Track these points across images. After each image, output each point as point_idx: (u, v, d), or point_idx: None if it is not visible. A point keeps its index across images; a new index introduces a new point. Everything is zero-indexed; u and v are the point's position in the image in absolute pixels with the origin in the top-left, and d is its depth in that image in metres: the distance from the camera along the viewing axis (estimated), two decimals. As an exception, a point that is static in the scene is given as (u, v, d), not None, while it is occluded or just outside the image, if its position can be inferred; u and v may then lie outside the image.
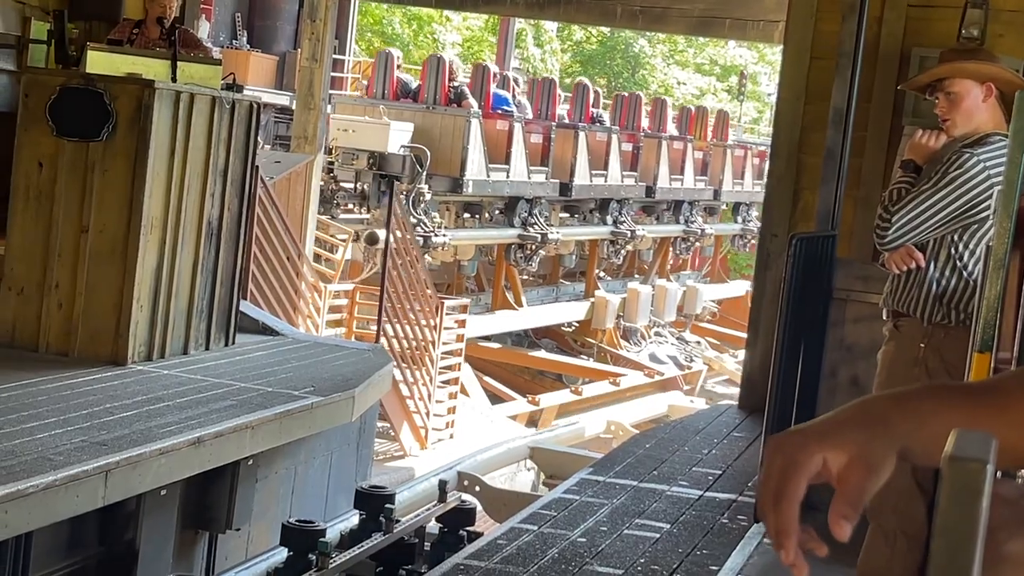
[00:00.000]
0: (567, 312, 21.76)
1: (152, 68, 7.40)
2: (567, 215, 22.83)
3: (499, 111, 19.91)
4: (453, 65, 19.81)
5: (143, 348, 7.13)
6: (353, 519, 7.65)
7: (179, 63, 7.50)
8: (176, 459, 5.59)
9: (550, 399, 17.92)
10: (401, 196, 17.20)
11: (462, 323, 14.98)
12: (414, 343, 13.76)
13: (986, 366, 2.38)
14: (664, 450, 7.56)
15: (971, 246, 4.57)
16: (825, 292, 6.46)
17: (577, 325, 22.08)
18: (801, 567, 1.17)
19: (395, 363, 10.94)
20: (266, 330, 8.70)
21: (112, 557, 5.88)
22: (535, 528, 5.72)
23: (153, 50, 8.02)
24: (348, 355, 8.33)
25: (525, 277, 21.44)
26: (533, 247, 19.93)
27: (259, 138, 8.68)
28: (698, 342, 24.36)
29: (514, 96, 21.16)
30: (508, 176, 19.32)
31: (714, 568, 5.45)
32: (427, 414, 13.78)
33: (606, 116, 24.23)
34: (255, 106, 7.87)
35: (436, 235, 17.25)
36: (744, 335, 28.02)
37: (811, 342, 6.33)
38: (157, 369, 7.03)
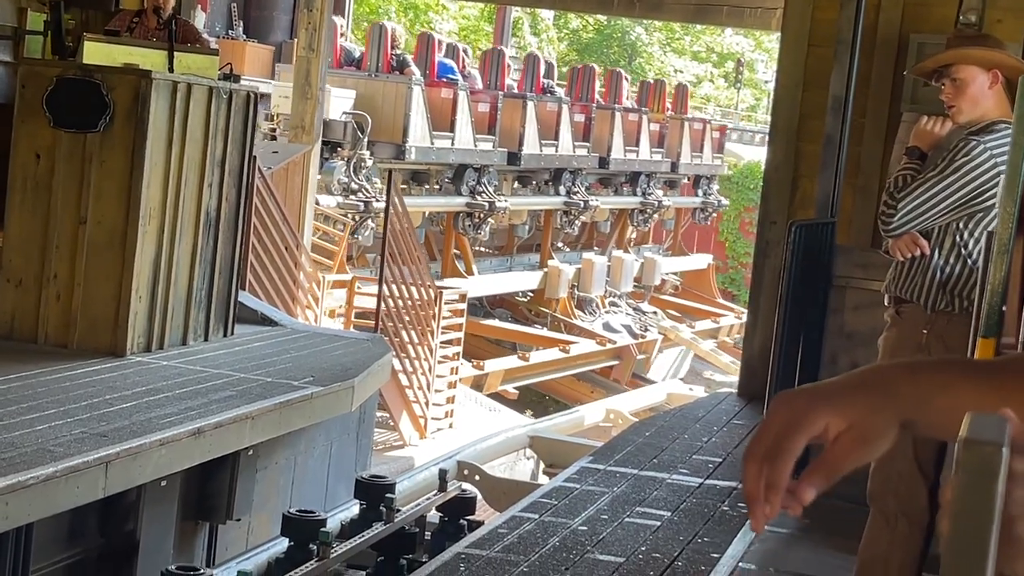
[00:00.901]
0: (520, 281, 21.86)
1: (149, 59, 7.39)
2: (521, 186, 22.83)
3: (444, 79, 19.98)
4: (396, 33, 19.87)
5: (142, 339, 7.13)
6: (353, 509, 7.65)
7: (176, 53, 7.49)
8: (176, 450, 5.59)
9: (495, 364, 18.01)
10: (342, 162, 17.27)
11: (460, 312, 14.97)
12: (413, 332, 13.75)
13: (991, 351, 2.38)
14: (664, 438, 7.56)
15: (976, 234, 4.56)
16: (825, 279, 6.45)
17: (532, 295, 22.14)
18: (760, 521, 1.18)
19: (394, 353, 10.93)
20: (265, 320, 8.69)
21: (113, 548, 5.88)
22: (536, 517, 5.72)
23: (150, 40, 8.01)
24: (347, 345, 8.33)
25: (481, 249, 21.52)
26: (481, 215, 19.93)
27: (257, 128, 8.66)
28: (655, 312, 24.48)
29: (464, 67, 21.21)
30: (453, 144, 19.32)
31: (715, 556, 5.45)
32: (426, 403, 13.78)
33: (562, 91, 24.32)
34: (252, 96, 7.85)
35: (377, 200, 17.15)
36: (706, 307, 28.16)
37: (811, 329, 6.32)
38: (156, 360, 7.03)
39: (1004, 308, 2.26)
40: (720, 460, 7.13)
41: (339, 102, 17.69)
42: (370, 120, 17.63)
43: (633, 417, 13.32)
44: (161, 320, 7.24)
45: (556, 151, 22.31)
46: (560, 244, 23.99)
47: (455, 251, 20.22)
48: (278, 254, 12.38)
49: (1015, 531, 0.94)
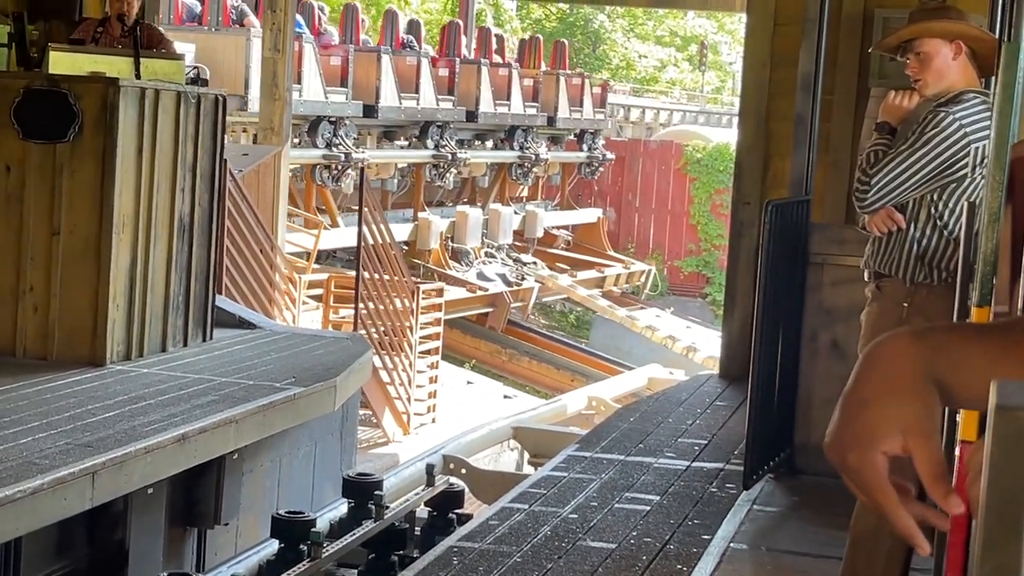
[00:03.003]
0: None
1: (115, 66, 7.36)
2: (388, 140, 22.85)
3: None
4: None
5: (121, 347, 7.10)
6: (342, 508, 7.65)
7: (142, 60, 7.45)
8: (161, 457, 5.57)
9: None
10: None
11: (439, 307, 14.96)
12: (391, 328, 13.75)
13: (985, 321, 2.39)
14: (648, 423, 7.58)
15: (951, 205, 4.59)
16: (801, 257, 6.46)
17: (407, 248, 22.27)
18: (923, 544, 1.18)
19: (374, 350, 10.92)
20: (243, 323, 8.67)
21: (102, 558, 5.86)
22: (526, 507, 5.73)
23: (116, 48, 7.97)
24: (327, 344, 8.31)
25: (353, 207, 21.63)
26: (339, 167, 19.93)
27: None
28: (534, 263, 24.76)
29: (319, 22, 21.37)
30: (302, 96, 19.30)
31: (706, 537, 5.47)
32: (408, 399, 13.78)
33: (431, 49, 24.37)
34: (221, 99, 7.82)
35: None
36: (596, 260, 28.78)
37: (790, 307, 6.34)
38: (136, 368, 7.00)
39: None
40: (705, 442, 7.15)
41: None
42: (208, 71, 17.74)
43: (615, 404, 13.33)
44: (139, 328, 7.21)
45: (418, 104, 22.30)
46: (444, 200, 24.12)
47: (320, 205, 20.20)
48: (253, 256, 12.36)
49: None
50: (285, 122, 13.67)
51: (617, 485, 6.18)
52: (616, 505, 5.84)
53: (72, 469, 4.97)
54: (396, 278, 13.88)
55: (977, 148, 4.47)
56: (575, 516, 5.63)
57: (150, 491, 5.87)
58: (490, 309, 21.84)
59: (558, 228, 27.29)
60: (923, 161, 4.54)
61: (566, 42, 30.64)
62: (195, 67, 17.64)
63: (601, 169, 29.57)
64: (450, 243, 22.83)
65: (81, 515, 5.32)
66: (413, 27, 24.56)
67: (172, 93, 7.33)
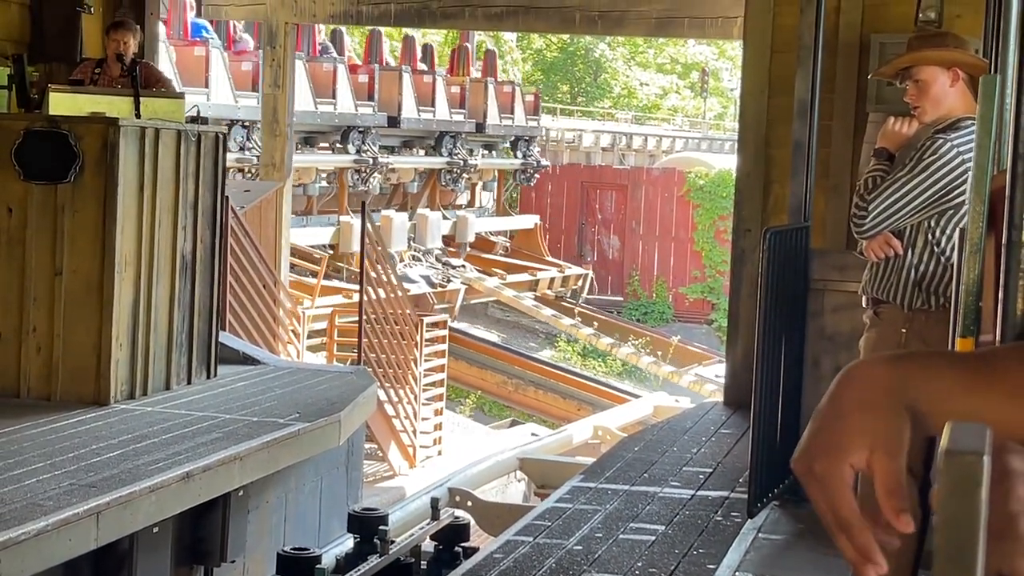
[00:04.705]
0: (312, 236, 22.05)
1: (115, 106, 7.39)
2: (307, 145, 22.98)
3: (198, 39, 20.38)
4: None
5: (125, 386, 7.11)
6: (348, 543, 7.63)
7: (142, 99, 7.49)
8: (167, 495, 5.57)
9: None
10: None
11: (442, 339, 14.97)
12: (396, 361, 13.75)
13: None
14: (653, 452, 7.57)
15: (948, 231, 4.60)
16: (802, 284, 6.47)
17: (332, 251, 22.38)
18: (880, 563, 1.17)
19: (378, 384, 10.92)
20: (247, 359, 8.68)
21: (108, 599, 5.85)
22: (530, 539, 5.72)
23: (115, 88, 8.00)
24: (331, 379, 8.32)
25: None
26: (248, 170, 20.03)
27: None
28: (463, 266, 25.10)
29: (234, 30, 21.73)
30: (209, 100, 19.38)
31: (711, 567, 5.46)
32: (414, 432, 13.77)
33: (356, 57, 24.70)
34: (221, 137, 7.86)
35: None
36: (533, 264, 29.27)
37: (792, 334, 6.34)
38: (140, 407, 7.01)
39: (980, 305, 2.29)
40: (710, 471, 7.14)
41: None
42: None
43: (621, 432, 13.32)
44: (143, 366, 7.22)
45: (335, 109, 22.36)
46: (375, 205, 24.37)
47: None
48: (256, 292, 12.37)
49: (1018, 528, 0.94)
50: (287, 158, 13.71)
51: (622, 515, 6.17)
52: (621, 536, 5.84)
53: (77, 510, 4.98)
54: (400, 312, 13.88)
55: (972, 175, 4.49)
56: (580, 548, 5.62)
57: (155, 530, 5.87)
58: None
59: (494, 234, 27.61)
60: (920, 187, 4.56)
61: (496, 51, 30.74)
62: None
63: (537, 176, 29.85)
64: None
65: (87, 555, 5.32)
66: (336, 36, 24.75)
67: (172, 132, 7.36)
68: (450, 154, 26.00)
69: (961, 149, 4.53)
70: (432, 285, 23.14)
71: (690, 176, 30.63)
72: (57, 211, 6.97)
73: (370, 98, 23.58)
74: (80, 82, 8.22)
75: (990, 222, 2.31)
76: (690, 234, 30.45)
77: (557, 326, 24.67)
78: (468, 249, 26.12)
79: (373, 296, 13.49)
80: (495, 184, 28.96)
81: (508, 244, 27.90)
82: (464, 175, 26.60)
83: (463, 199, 28.03)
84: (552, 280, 26.56)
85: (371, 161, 22.91)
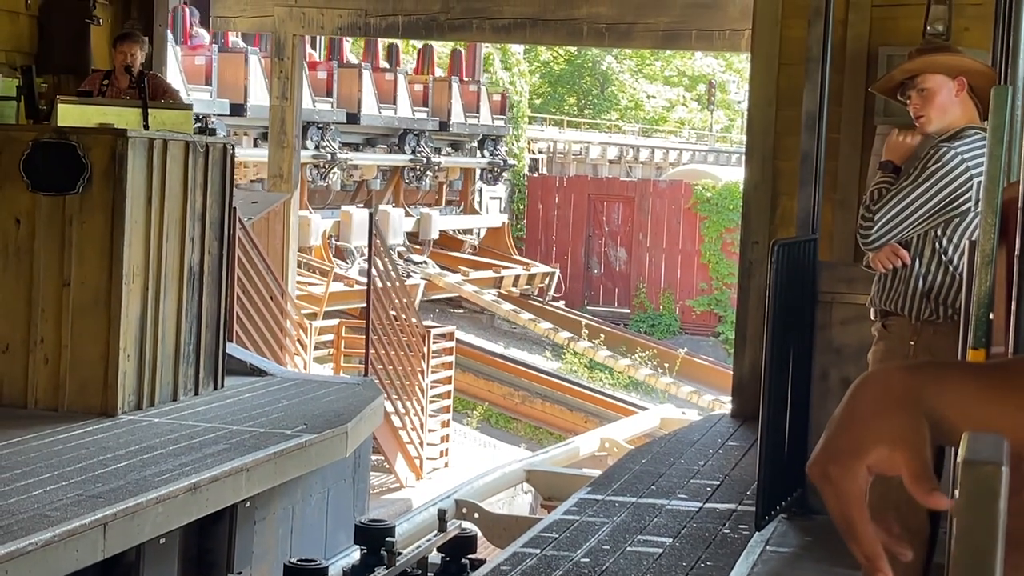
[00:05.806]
0: None
1: (124, 117, 7.40)
2: (263, 140, 23.10)
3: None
4: None
5: (132, 397, 7.11)
6: (354, 555, 7.61)
7: (150, 110, 7.50)
8: (173, 507, 5.57)
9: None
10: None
11: (449, 351, 14.96)
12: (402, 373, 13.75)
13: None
14: (660, 464, 7.55)
15: (955, 240, 4.59)
16: (810, 296, 6.46)
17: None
18: (885, 570, 1.16)
19: (385, 395, 10.92)
20: (254, 371, 8.68)
21: (115, 610, 5.84)
22: (538, 551, 5.71)
23: (123, 99, 8.01)
24: (338, 390, 8.32)
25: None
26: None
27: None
28: (424, 262, 25.31)
29: (190, 25, 21.78)
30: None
31: (719, 579, 5.44)
32: (421, 444, 13.76)
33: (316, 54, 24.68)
34: (229, 148, 7.86)
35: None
36: (499, 263, 29.68)
37: (800, 347, 6.33)
38: (148, 418, 7.01)
39: (991, 317, 2.28)
40: (718, 483, 7.13)
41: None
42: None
43: (628, 445, 13.30)
44: (150, 377, 7.23)
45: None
46: (337, 202, 24.48)
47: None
48: (263, 303, 12.38)
49: None
50: (294, 169, 13.71)
51: (629, 528, 6.15)
52: (628, 548, 5.82)
53: (84, 520, 4.98)
54: (406, 319, 13.88)
55: (980, 182, 4.48)
56: (587, 560, 5.61)
57: (162, 541, 5.86)
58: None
59: (461, 232, 27.70)
60: (926, 196, 4.55)
61: (462, 50, 30.69)
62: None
63: (505, 174, 29.88)
64: (333, 242, 23.19)
65: (93, 566, 5.31)
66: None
67: (180, 143, 7.37)
68: (413, 152, 26.06)
69: (966, 157, 4.53)
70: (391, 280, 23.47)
71: (697, 188, 30.62)
72: (65, 222, 6.98)
73: (328, 94, 23.64)
74: (88, 93, 8.23)
75: (1002, 233, 2.30)
76: (697, 246, 30.42)
77: (517, 321, 24.82)
78: (432, 247, 26.22)
79: (379, 307, 13.49)
80: (461, 182, 29.02)
81: (477, 243, 27.99)
82: (428, 173, 26.65)
83: (453, 196, 28.13)
84: (517, 278, 26.70)
85: (330, 157, 22.98)
